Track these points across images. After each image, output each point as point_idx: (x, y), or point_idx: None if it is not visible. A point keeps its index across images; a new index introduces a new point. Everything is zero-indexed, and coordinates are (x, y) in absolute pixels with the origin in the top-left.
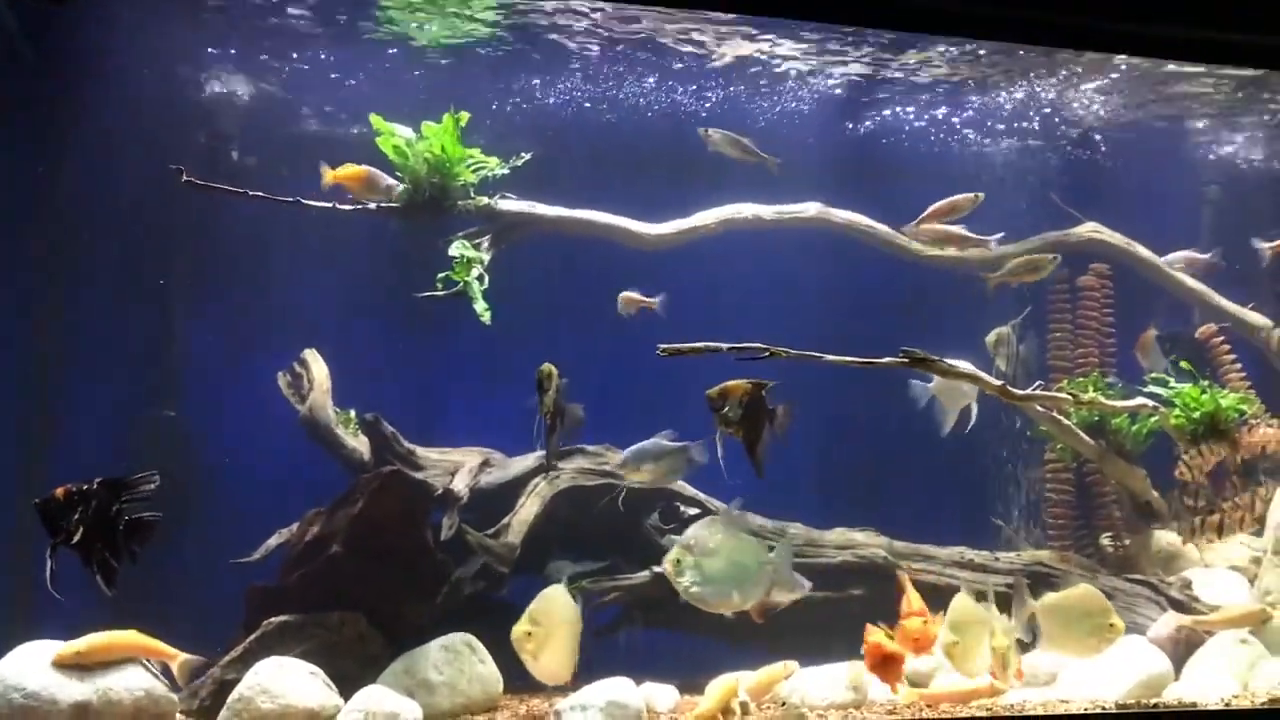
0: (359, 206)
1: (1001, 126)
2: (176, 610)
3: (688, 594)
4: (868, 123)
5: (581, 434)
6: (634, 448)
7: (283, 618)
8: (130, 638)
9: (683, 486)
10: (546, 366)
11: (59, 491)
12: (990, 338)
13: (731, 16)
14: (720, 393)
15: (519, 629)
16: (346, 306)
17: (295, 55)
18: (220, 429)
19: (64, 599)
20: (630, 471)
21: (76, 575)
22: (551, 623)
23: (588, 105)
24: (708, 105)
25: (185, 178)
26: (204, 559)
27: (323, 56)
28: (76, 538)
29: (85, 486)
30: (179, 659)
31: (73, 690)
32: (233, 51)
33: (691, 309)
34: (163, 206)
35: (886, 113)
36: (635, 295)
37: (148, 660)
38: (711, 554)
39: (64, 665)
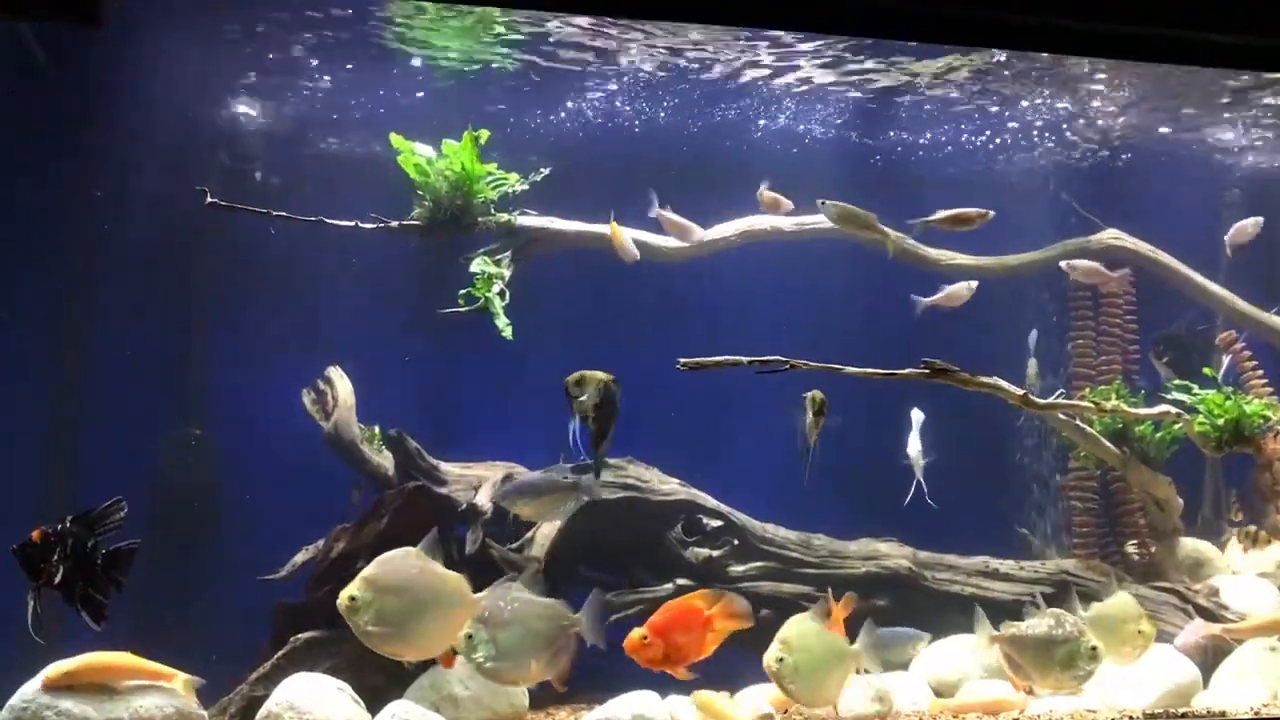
0: (380, 225)
1: (1018, 136)
2: (203, 628)
3: (483, 671)
4: (885, 133)
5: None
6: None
7: (310, 634)
8: (123, 659)
9: (705, 498)
10: (576, 374)
11: (35, 534)
12: (1031, 370)
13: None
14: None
15: (343, 594)
16: (370, 323)
17: (316, 77)
18: (246, 446)
19: (44, 643)
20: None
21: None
22: (390, 588)
23: (606, 120)
24: (725, 117)
25: (209, 199)
26: (231, 576)
27: (344, 77)
28: (58, 578)
29: (60, 526)
30: (176, 679)
31: (105, 709)
32: (254, 73)
33: (711, 321)
34: (187, 225)
35: (904, 123)
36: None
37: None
38: (506, 625)
39: (54, 688)
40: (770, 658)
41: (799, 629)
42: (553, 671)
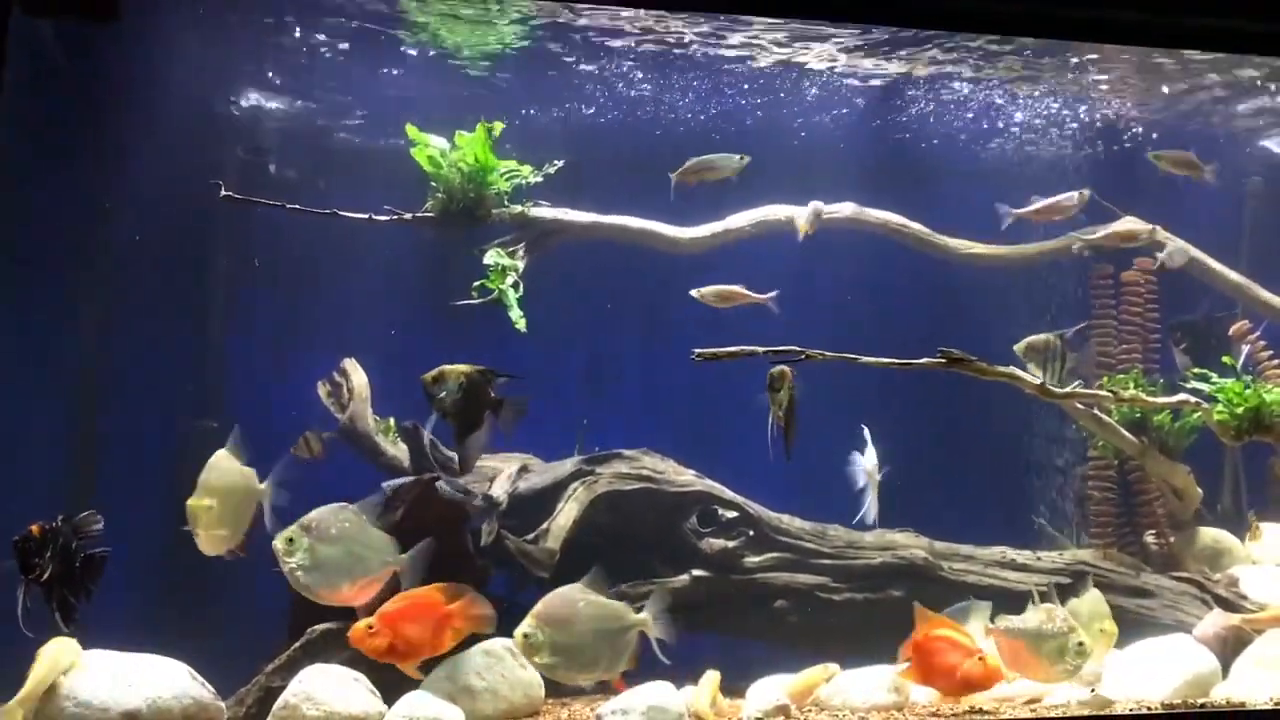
0: (394, 217)
1: (1037, 125)
2: (222, 618)
3: (292, 577)
4: (901, 122)
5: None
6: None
7: (326, 625)
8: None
9: (721, 489)
10: (434, 370)
11: (34, 529)
12: (1019, 346)
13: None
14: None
15: (195, 502)
16: (385, 315)
17: (330, 69)
18: (263, 439)
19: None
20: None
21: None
22: (223, 491)
23: (619, 110)
24: (738, 107)
25: (224, 192)
26: (249, 567)
27: (358, 69)
28: (46, 575)
29: (53, 524)
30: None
31: (122, 699)
32: (268, 66)
33: (728, 312)
34: (202, 219)
35: (920, 111)
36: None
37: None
38: (331, 540)
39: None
40: (518, 633)
41: (555, 600)
42: (360, 601)
